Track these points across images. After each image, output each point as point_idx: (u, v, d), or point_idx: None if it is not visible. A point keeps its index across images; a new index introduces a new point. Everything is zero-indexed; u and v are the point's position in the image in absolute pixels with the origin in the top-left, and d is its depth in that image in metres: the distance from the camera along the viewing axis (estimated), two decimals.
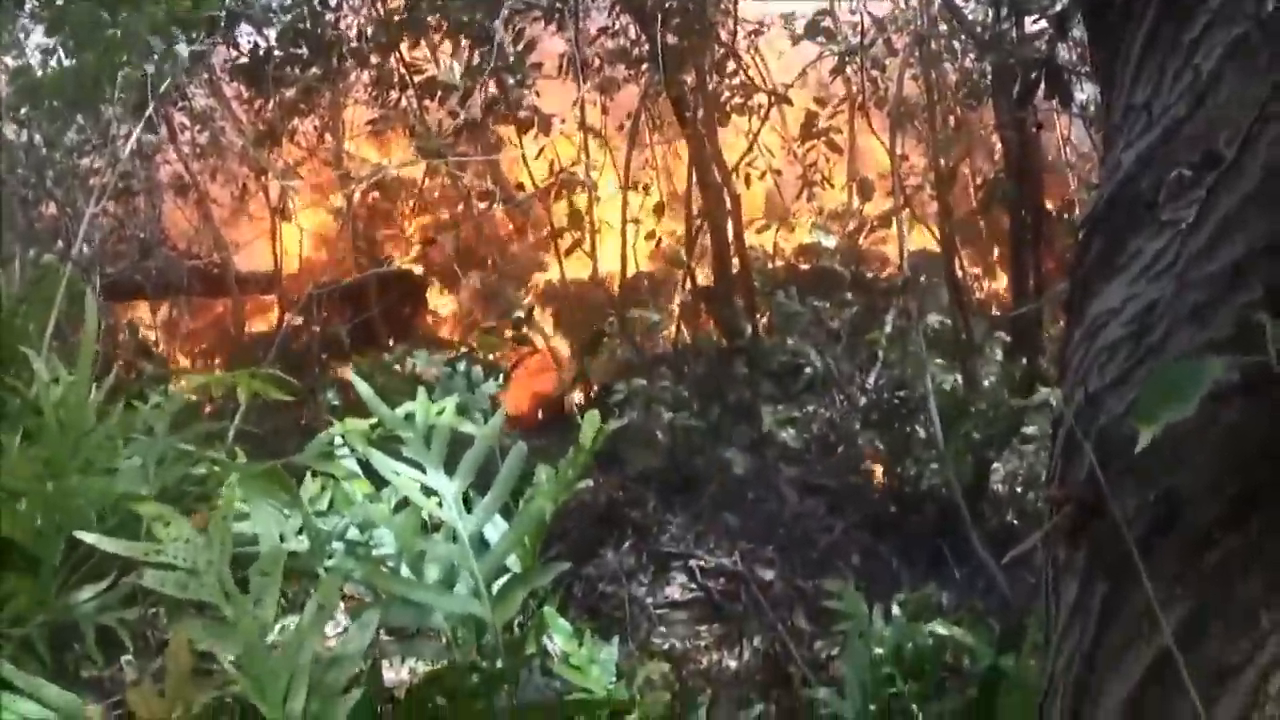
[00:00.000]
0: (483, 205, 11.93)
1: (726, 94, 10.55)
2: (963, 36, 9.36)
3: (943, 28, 9.63)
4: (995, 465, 8.08)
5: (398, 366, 8.77)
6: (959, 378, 8.84)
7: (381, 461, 3.87)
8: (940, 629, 4.36)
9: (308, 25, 9.56)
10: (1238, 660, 1.58)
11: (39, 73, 8.56)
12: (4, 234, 7.96)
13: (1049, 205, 9.77)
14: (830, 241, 12.32)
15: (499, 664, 3.66)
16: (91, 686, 4.02)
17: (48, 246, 7.92)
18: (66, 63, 7.86)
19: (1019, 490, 8.13)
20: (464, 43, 9.81)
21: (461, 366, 6.98)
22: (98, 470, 4.26)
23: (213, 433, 4.97)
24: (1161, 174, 1.94)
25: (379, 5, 10.15)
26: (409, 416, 4.14)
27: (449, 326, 14.48)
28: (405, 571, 3.86)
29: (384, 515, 3.94)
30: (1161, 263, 1.85)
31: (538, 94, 10.15)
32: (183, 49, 7.63)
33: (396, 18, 9.96)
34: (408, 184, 13.61)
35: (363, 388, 4.13)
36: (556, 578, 3.78)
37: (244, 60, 9.86)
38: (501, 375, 7.85)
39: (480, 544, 3.88)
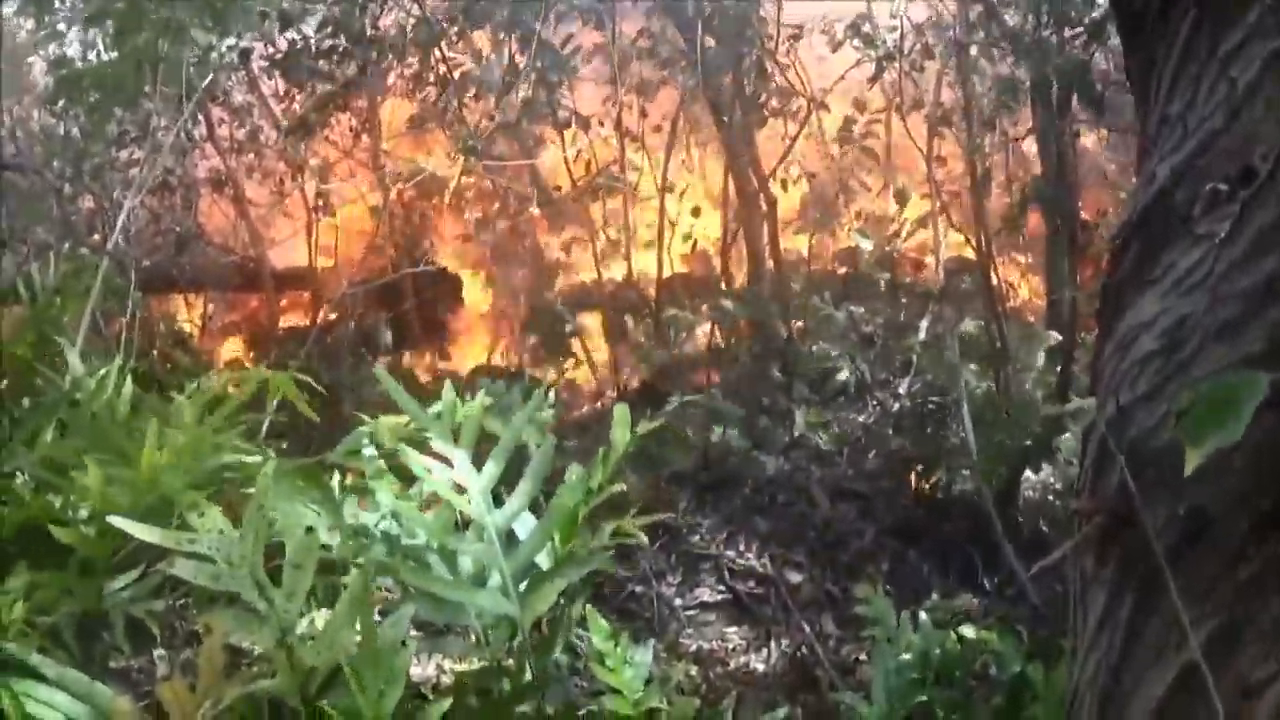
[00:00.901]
0: (520, 203, 11.94)
1: (764, 98, 10.54)
2: (1002, 43, 9.33)
3: (980, 34, 9.59)
4: (1027, 473, 8.06)
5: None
6: (993, 384, 8.81)
7: (412, 457, 3.89)
8: (969, 633, 4.36)
9: (347, 18, 9.57)
10: (1266, 675, 1.57)
11: (79, 64, 8.62)
12: (40, 225, 8.02)
13: (1085, 214, 9.73)
14: (867, 245, 12.30)
15: (527, 666, 3.66)
16: (119, 677, 4.05)
17: (84, 238, 7.97)
18: (107, 55, 7.89)
19: (1051, 498, 8.11)
20: (504, 38, 9.81)
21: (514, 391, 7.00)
22: (130, 460, 4.29)
23: (247, 424, 5.00)
24: (1196, 187, 1.93)
25: (420, 2, 10.16)
26: (438, 415, 4.16)
27: (485, 326, 14.50)
28: (437, 568, 3.88)
29: (413, 511, 3.96)
30: (1195, 276, 1.85)
31: (573, 90, 10.18)
32: (229, 41, 7.67)
33: (440, 16, 9.98)
34: (445, 182, 13.64)
35: (390, 383, 4.15)
36: (585, 576, 3.79)
37: (280, 55, 9.88)
38: (551, 393, 7.87)
39: (509, 541, 3.88)
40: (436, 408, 4.24)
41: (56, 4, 8.56)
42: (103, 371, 5.01)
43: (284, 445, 5.17)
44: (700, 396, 8.85)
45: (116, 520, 3.41)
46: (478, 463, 4.01)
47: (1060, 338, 8.88)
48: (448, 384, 4.41)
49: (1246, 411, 1.46)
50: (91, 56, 8.50)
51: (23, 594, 3.71)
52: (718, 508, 7.91)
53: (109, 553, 4.03)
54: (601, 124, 10.48)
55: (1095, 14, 7.54)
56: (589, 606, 4.01)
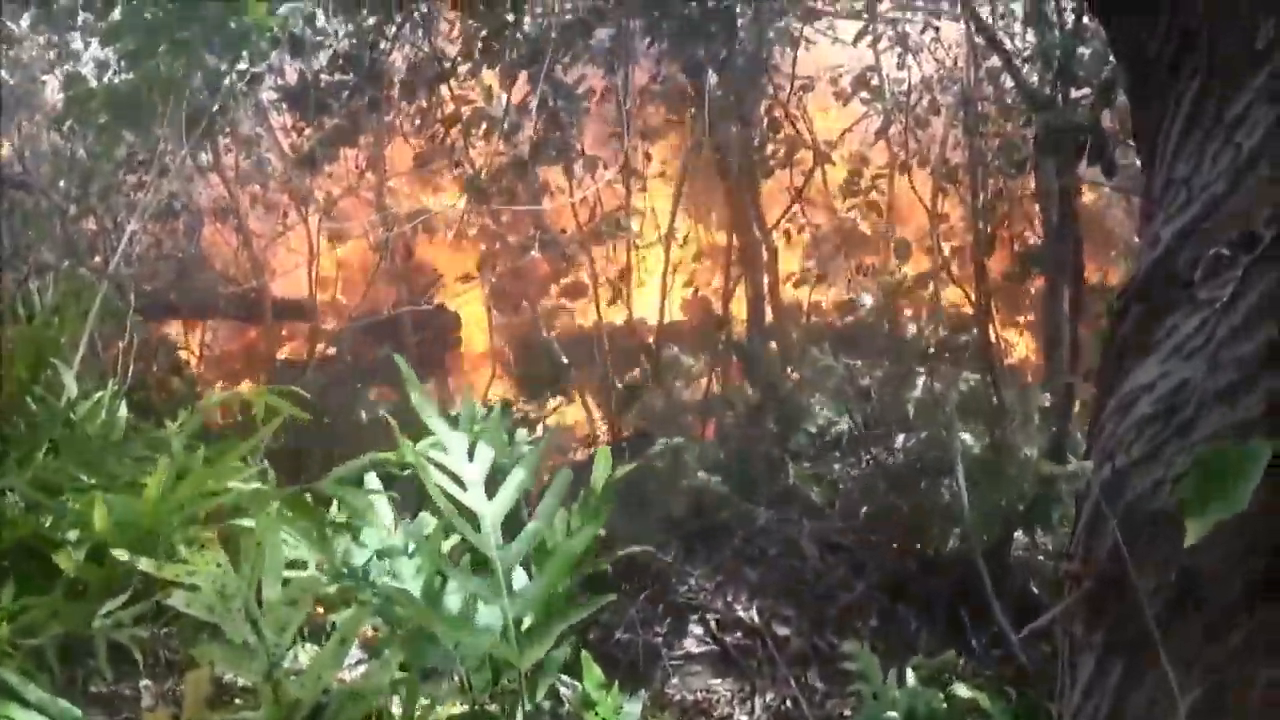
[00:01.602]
0: (523, 245, 11.94)
1: (770, 148, 10.57)
2: (1008, 99, 9.37)
3: (988, 90, 9.64)
4: (1018, 532, 8.03)
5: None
6: (988, 442, 8.80)
7: (427, 472, 3.84)
8: (961, 691, 4.34)
9: (357, 53, 9.60)
10: None
11: (93, 84, 8.63)
12: (43, 244, 8.01)
13: (1087, 273, 9.75)
14: (866, 300, 12.31)
15: (519, 711, 3.63)
16: (100, 703, 4.02)
17: (85, 260, 7.96)
18: (121, 77, 7.91)
19: (1041, 558, 8.08)
20: (512, 78, 9.84)
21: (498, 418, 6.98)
22: (122, 485, 4.28)
23: (239, 451, 4.98)
24: (1199, 251, 1.93)
25: (429, 40, 10.19)
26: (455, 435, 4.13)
27: (482, 366, 14.49)
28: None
29: (415, 537, 3.93)
30: (1195, 342, 1.84)
31: (579, 131, 10.20)
32: (240, 66, 7.69)
33: (449, 54, 10.02)
34: (448, 220, 13.65)
35: (406, 371, 4.13)
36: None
37: (289, 86, 9.90)
38: (540, 428, 7.86)
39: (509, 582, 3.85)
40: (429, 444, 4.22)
41: (71, 21, 8.57)
42: (98, 395, 5.00)
43: (269, 473, 5.13)
44: (679, 441, 8.83)
45: (118, 553, 3.40)
46: None
47: (1054, 398, 8.87)
48: (467, 403, 4.39)
49: (1250, 482, 1.46)
50: (106, 77, 8.51)
51: (7, 615, 3.69)
52: (707, 557, 7.88)
53: (99, 578, 4.01)
54: (606, 167, 10.50)
55: (1104, 73, 7.57)
56: (584, 653, 3.99)
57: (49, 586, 3.97)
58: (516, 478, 4.01)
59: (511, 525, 3.95)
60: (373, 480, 4.33)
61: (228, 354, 14.14)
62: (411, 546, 3.93)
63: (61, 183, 8.74)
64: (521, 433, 6.65)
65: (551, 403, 11.14)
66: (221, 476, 4.53)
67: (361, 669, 3.87)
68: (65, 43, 9.23)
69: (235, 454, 4.73)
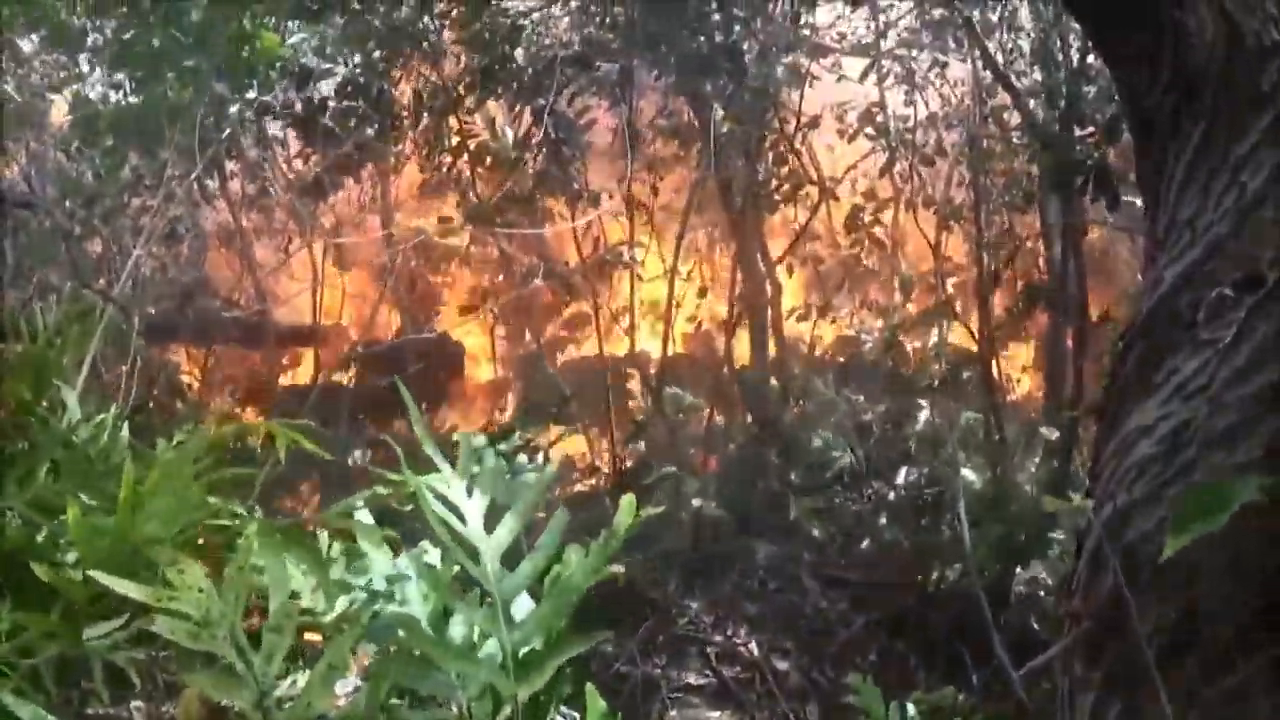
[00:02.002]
0: (526, 276, 11.95)
1: (775, 183, 10.57)
2: (1014, 137, 9.39)
3: (993, 127, 9.65)
4: (1019, 569, 8.02)
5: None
6: (989, 478, 8.79)
7: (427, 500, 3.83)
8: None
9: (365, 81, 9.62)
10: None
11: (100, 106, 8.64)
12: (47, 265, 8.02)
13: (1090, 310, 9.75)
14: (869, 335, 12.30)
15: None
16: None
17: (90, 281, 7.96)
18: (129, 100, 7.92)
19: (1042, 594, 8.06)
20: (519, 109, 9.86)
21: (502, 445, 6.97)
22: (121, 508, 4.26)
23: (238, 478, 4.96)
24: (1202, 292, 1.94)
25: (438, 70, 10.21)
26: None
27: (485, 395, 14.50)
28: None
29: (418, 565, 3.92)
30: (1197, 382, 1.85)
31: (586, 165, 10.22)
32: (248, 94, 7.71)
33: (458, 84, 10.05)
34: (452, 250, 13.66)
35: (409, 399, 4.12)
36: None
37: (297, 113, 9.91)
38: (541, 455, 7.83)
39: (507, 613, 3.84)
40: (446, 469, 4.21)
41: (81, 43, 8.59)
42: (100, 417, 4.99)
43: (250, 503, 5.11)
44: (673, 469, 8.82)
45: (98, 575, 3.39)
46: None
47: (1056, 434, 8.87)
48: (469, 436, 4.38)
49: (1229, 508, 1.46)
50: (114, 98, 8.52)
51: (4, 634, 3.68)
52: (707, 590, 7.87)
53: (88, 597, 3.99)
54: (611, 197, 10.51)
55: (1110, 112, 7.59)
56: (589, 685, 3.97)
57: (47, 606, 3.96)
58: (516, 513, 4.00)
59: (513, 559, 3.95)
60: (366, 516, 4.31)
61: (230, 378, 14.12)
62: (415, 574, 3.92)
63: (67, 203, 8.74)
64: (522, 459, 6.65)
65: (554, 431, 11.12)
66: (205, 502, 4.52)
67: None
68: (74, 64, 9.25)
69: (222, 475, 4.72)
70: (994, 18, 9.06)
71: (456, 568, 3.81)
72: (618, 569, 4.17)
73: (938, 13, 9.45)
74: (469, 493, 3.97)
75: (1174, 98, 2.16)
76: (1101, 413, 2.16)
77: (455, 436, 4.22)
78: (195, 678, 3.10)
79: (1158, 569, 1.62)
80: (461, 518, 3.88)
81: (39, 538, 4.19)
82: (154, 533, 4.11)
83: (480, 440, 4.86)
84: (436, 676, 3.66)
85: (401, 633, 3.68)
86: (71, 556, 4.13)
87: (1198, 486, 1.63)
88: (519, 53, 9.42)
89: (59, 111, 10.25)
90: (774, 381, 10.73)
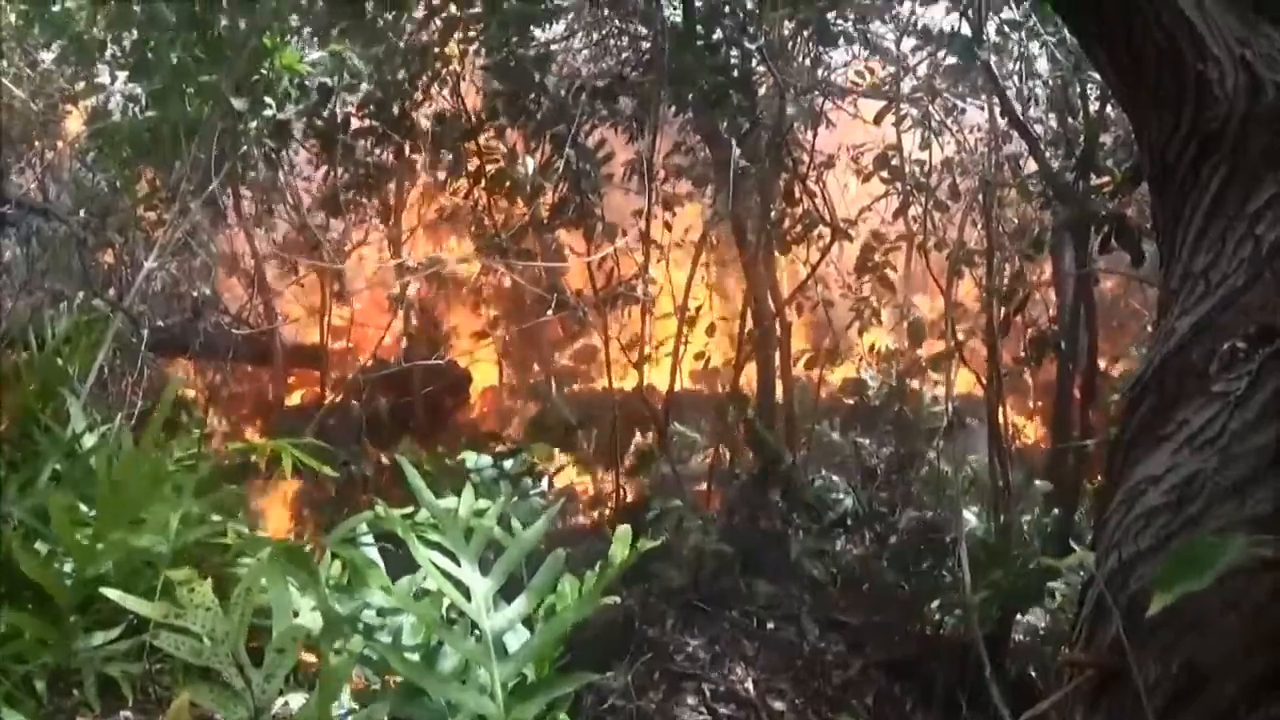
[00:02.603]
0: (537, 307, 11.95)
1: (788, 223, 10.57)
2: (1029, 184, 9.38)
3: (1007, 173, 9.65)
4: (1019, 616, 8.00)
5: (447, 460, 8.76)
6: (992, 525, 8.76)
7: (417, 547, 3.85)
8: None
9: (386, 100, 9.63)
10: None
11: (117, 117, 8.67)
12: (60, 273, 8.03)
13: (1102, 361, 9.75)
14: (876, 378, 12.29)
15: None
16: None
17: (101, 292, 7.97)
18: (146, 113, 7.94)
19: (1040, 642, 8.04)
20: (538, 139, 9.87)
21: (508, 465, 6.99)
22: (122, 522, 4.26)
23: (240, 499, 4.96)
24: (1214, 344, 1.93)
25: (459, 97, 10.24)
26: (453, 510, 4.13)
27: (490, 422, 14.50)
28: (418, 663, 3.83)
29: (404, 600, 3.92)
30: (1207, 434, 1.84)
31: (601, 195, 10.23)
32: (266, 112, 7.73)
33: (479, 111, 10.07)
34: (464, 277, 13.69)
35: (412, 476, 4.12)
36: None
37: (315, 129, 9.92)
38: (545, 480, 7.84)
39: (499, 647, 3.85)
40: (448, 502, 4.22)
41: (99, 55, 8.61)
42: (104, 428, 4.99)
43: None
44: (678, 503, 8.80)
45: (109, 592, 3.39)
46: None
47: (1050, 487, 8.86)
48: (468, 487, 4.38)
49: (1216, 567, 1.45)
50: (131, 111, 8.53)
51: None
52: (706, 627, 7.85)
53: (78, 601, 3.98)
54: (625, 233, 10.51)
55: (1127, 162, 7.60)
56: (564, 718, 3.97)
57: (44, 615, 3.95)
58: (509, 559, 4.03)
59: (512, 589, 3.96)
60: (368, 536, 4.33)
61: (236, 396, 14.14)
62: (406, 607, 3.93)
63: (81, 213, 8.77)
64: (527, 481, 6.66)
65: (559, 460, 11.12)
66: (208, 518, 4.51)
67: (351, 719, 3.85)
68: (92, 75, 9.29)
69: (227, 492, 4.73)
70: (1011, 65, 9.07)
71: (447, 603, 3.82)
72: (613, 600, 4.18)
73: (955, 58, 9.47)
74: (466, 538, 3.99)
75: (1193, 148, 2.16)
76: (1110, 462, 2.15)
77: (461, 456, 4.23)
78: (196, 690, 3.10)
79: (1160, 620, 1.61)
80: (456, 560, 3.90)
81: (39, 545, 4.18)
82: (151, 545, 4.11)
83: (485, 460, 4.85)
84: (427, 704, 3.67)
85: (399, 659, 3.69)
86: (69, 566, 4.12)
87: (1195, 540, 1.62)
88: (542, 81, 9.43)
89: (76, 122, 10.30)
90: (779, 422, 10.71)
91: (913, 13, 9.58)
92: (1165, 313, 2.21)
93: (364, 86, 9.41)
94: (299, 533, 9.49)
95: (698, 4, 9.13)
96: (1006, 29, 8.77)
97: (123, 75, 8.59)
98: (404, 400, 12.62)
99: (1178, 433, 1.93)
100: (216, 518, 4.55)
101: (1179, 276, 2.16)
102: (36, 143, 10.32)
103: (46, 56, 9.96)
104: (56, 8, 7.57)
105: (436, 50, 9.59)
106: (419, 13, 9.21)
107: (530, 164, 9.39)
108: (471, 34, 9.55)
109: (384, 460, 10.44)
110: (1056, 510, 8.59)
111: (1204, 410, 1.88)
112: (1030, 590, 7.82)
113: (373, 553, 4.18)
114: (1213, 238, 2.07)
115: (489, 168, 10.22)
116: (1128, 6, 2.26)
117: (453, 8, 9.31)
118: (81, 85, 9.46)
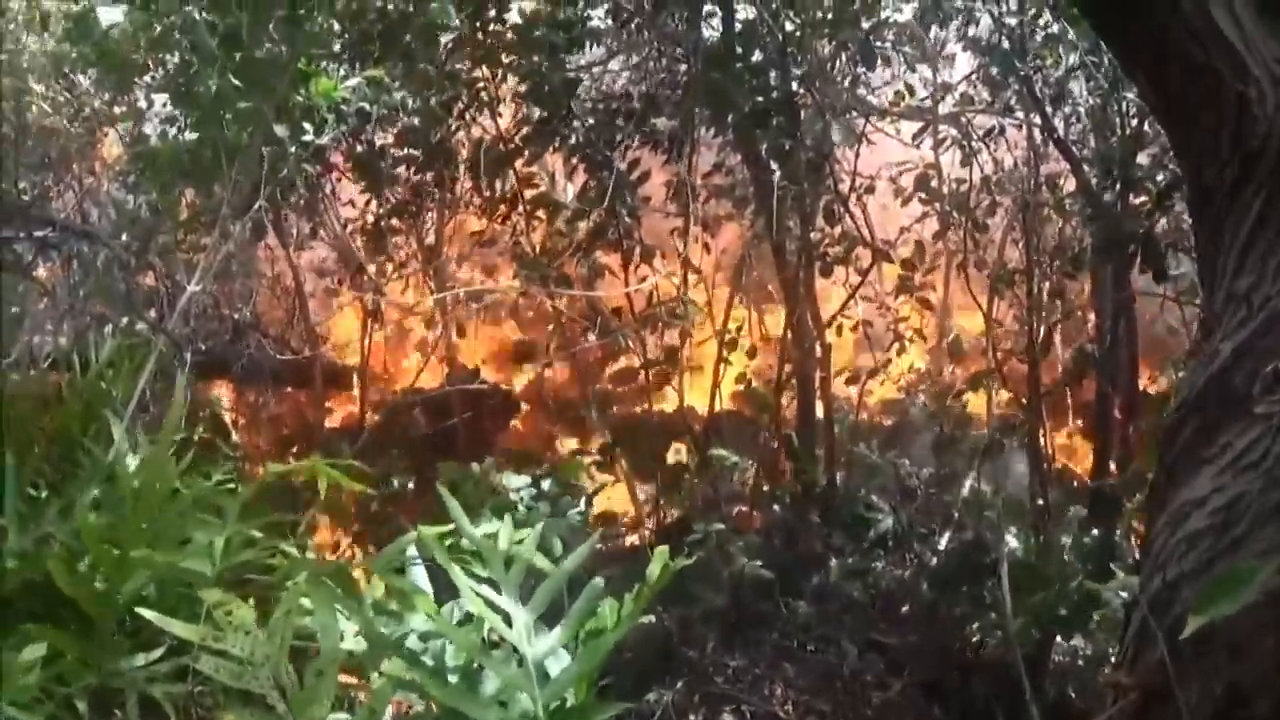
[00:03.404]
0: (577, 329, 11.97)
1: (828, 243, 10.54)
2: (1067, 204, 9.36)
3: (1045, 193, 9.63)
4: (1059, 639, 7.95)
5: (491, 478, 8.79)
6: (1033, 546, 8.72)
7: (459, 576, 3.86)
8: None
9: (424, 128, 9.69)
10: None
11: (156, 141, 8.74)
12: (102, 297, 8.08)
13: (1141, 381, 9.71)
14: (917, 398, 12.26)
15: None
16: None
17: (143, 315, 8.02)
18: (187, 136, 7.99)
19: (1081, 665, 8.00)
20: (577, 162, 9.90)
21: (546, 485, 7.00)
22: (166, 543, 4.28)
23: (283, 522, 4.98)
24: (1258, 366, 1.93)
25: (495, 120, 10.28)
26: (493, 536, 4.14)
27: (531, 446, 14.52)
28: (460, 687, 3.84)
29: (447, 626, 3.93)
30: (1250, 457, 1.84)
31: (639, 218, 10.24)
32: (306, 137, 7.78)
33: (516, 134, 10.12)
34: (506, 301, 13.72)
35: (451, 503, 4.13)
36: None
37: (355, 155, 9.98)
38: (584, 500, 7.83)
39: (540, 672, 3.85)
40: (488, 526, 4.23)
41: (138, 80, 8.68)
42: (145, 451, 5.02)
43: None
44: (720, 527, 8.78)
45: (146, 612, 3.41)
46: None
47: (1102, 504, 8.81)
48: (507, 517, 4.39)
49: (1252, 589, 1.45)
50: (171, 134, 8.59)
51: (40, 662, 3.70)
52: (746, 649, 7.84)
53: (115, 619, 3.99)
54: (664, 257, 10.51)
55: (1162, 179, 7.58)
56: None
57: (86, 637, 3.97)
58: (550, 586, 4.03)
59: (554, 614, 3.97)
60: (416, 559, 4.34)
61: (274, 418, 14.19)
62: (451, 630, 3.93)
63: (124, 236, 8.83)
64: (566, 499, 6.68)
65: (599, 479, 11.11)
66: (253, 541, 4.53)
67: None
68: (132, 100, 9.37)
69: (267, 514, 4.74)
70: (1052, 83, 9.05)
71: (487, 627, 3.83)
72: (649, 619, 4.19)
73: (995, 75, 9.46)
74: (506, 567, 4.00)
75: (1234, 169, 2.16)
76: (1152, 486, 2.15)
77: (499, 476, 4.25)
78: (238, 714, 3.11)
79: (1203, 642, 1.61)
80: (497, 588, 3.92)
81: (80, 567, 4.20)
82: (197, 568, 4.13)
83: (523, 480, 4.86)
84: None
85: (439, 684, 3.70)
86: (107, 586, 4.14)
87: (1235, 564, 1.62)
88: (578, 106, 9.47)
89: (115, 146, 10.38)
90: (820, 443, 10.69)
91: (950, 33, 9.62)
92: (1209, 335, 2.20)
93: (400, 118, 9.47)
94: (349, 555, 9.51)
95: (738, 26, 9.15)
96: (1045, 49, 8.79)
97: (159, 99, 8.66)
98: (446, 423, 12.64)
99: (1220, 456, 1.92)
100: (259, 536, 4.56)
101: (1222, 298, 2.15)
102: (75, 166, 10.42)
103: (83, 80, 10.06)
104: (97, 33, 7.61)
105: (469, 74, 9.66)
106: (448, 37, 9.26)
107: (570, 189, 9.43)
108: (507, 59, 9.61)
109: (425, 480, 10.47)
110: (1096, 530, 8.55)
111: (1247, 433, 1.88)
112: (1072, 615, 7.77)
113: (421, 577, 4.19)
114: (1254, 259, 2.07)
115: (527, 193, 10.27)
116: (1166, 28, 2.26)
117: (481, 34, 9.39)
118: (122, 109, 9.55)
